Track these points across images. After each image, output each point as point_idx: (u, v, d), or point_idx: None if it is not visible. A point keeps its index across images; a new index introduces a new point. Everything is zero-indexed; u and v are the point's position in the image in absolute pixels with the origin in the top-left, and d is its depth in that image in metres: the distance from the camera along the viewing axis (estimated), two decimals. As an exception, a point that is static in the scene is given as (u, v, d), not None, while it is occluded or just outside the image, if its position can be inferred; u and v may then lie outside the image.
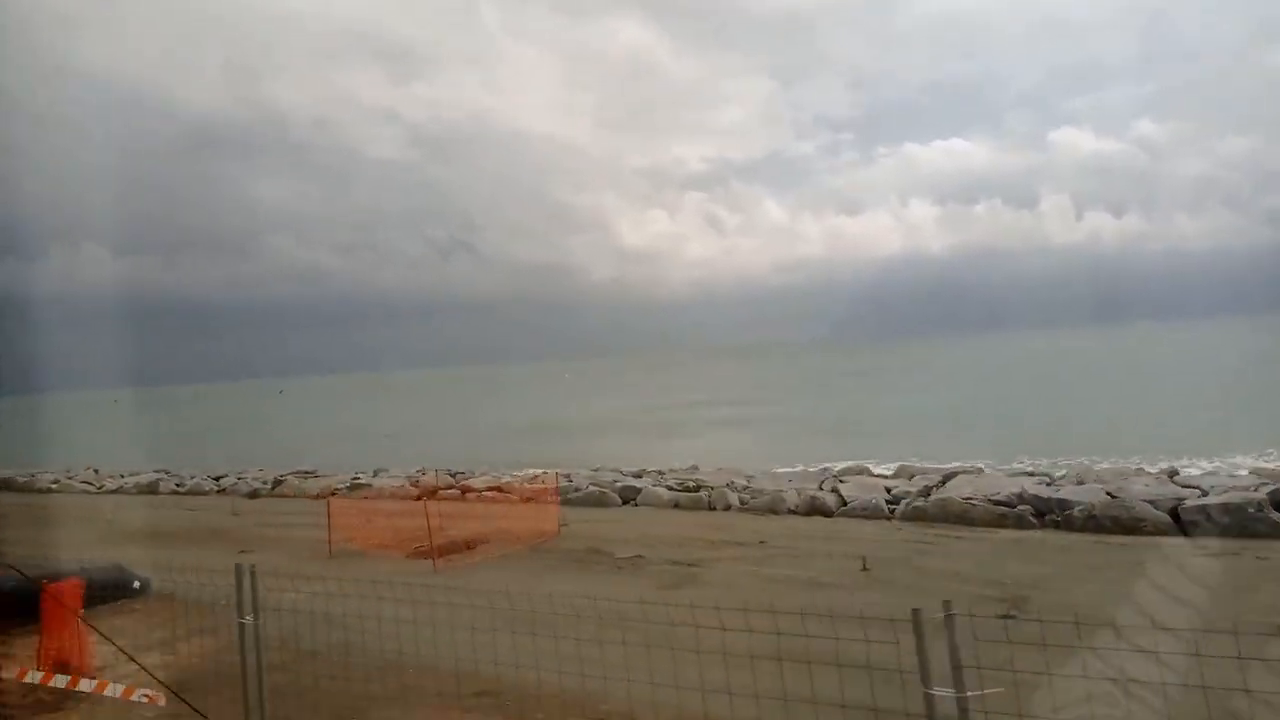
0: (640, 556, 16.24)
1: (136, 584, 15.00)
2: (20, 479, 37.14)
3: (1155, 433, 37.03)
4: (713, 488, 22.58)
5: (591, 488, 23.28)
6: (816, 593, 12.80)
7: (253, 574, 7.57)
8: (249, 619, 7.58)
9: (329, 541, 18.07)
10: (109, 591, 14.44)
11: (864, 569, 14.25)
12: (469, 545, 18.17)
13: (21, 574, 14.27)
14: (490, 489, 25.65)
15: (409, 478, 29.46)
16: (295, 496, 28.06)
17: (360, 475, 30.07)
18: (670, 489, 22.79)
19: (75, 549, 19.64)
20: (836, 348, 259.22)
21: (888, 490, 20.73)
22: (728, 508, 21.11)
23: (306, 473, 32.27)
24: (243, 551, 19.14)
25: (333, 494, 27.64)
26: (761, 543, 16.99)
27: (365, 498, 25.73)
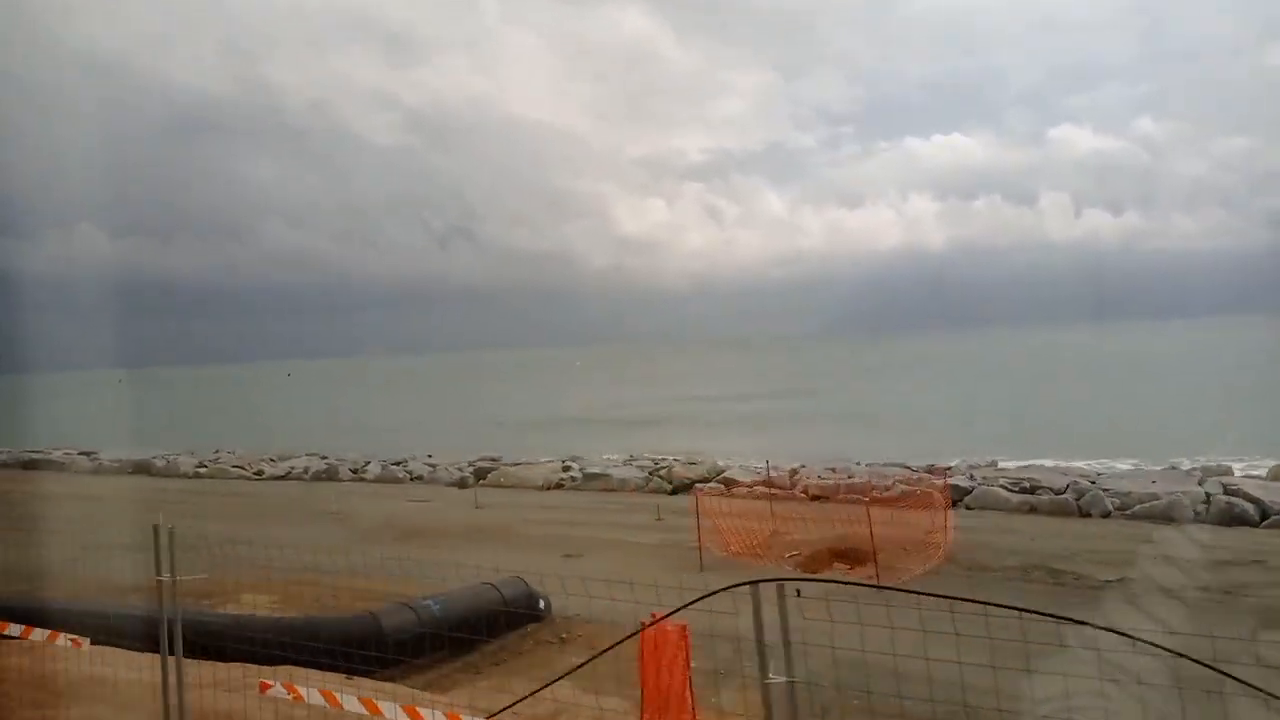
0: (1127, 578, 12.90)
1: (542, 604, 11.83)
2: (158, 463, 34.25)
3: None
4: (1052, 488, 19.27)
5: (900, 486, 19.93)
6: None
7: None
8: None
9: (699, 546, 14.77)
10: (521, 615, 11.25)
11: None
12: (859, 557, 14.90)
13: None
14: (757, 483, 22.39)
15: (633, 463, 26.21)
16: (511, 486, 24.87)
17: (571, 464, 26.84)
18: (1007, 489, 19.44)
19: (359, 552, 16.51)
20: (837, 341, 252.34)
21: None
22: (1106, 514, 17.76)
23: (493, 459, 29.13)
24: (568, 556, 15.99)
25: (554, 482, 24.52)
26: (1257, 562, 13.61)
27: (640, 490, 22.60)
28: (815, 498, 20.77)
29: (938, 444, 32.77)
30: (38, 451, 41.80)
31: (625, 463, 27.36)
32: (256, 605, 12.78)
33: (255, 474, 30.88)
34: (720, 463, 25.44)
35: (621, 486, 23.29)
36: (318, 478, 28.79)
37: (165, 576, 6.26)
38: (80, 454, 40.86)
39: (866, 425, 45.83)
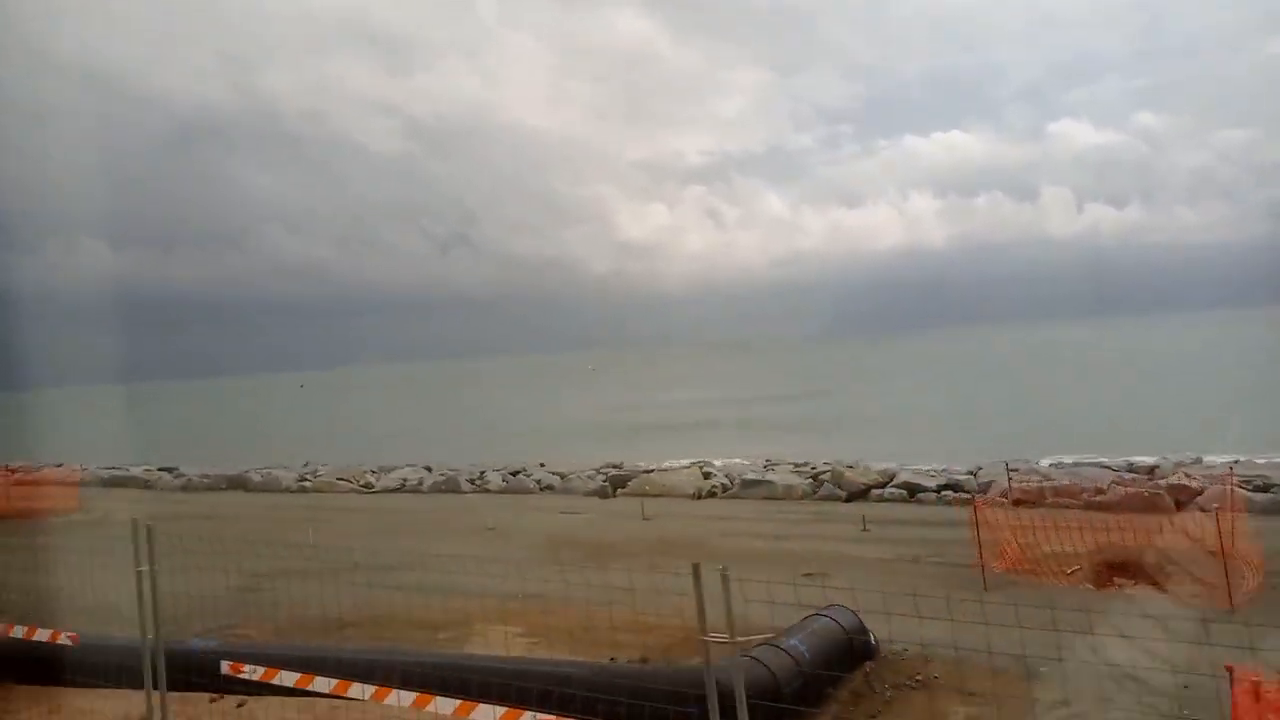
0: None
1: (873, 640, 10.18)
2: (254, 478, 32.89)
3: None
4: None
5: (1117, 488, 18.15)
6: None
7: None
8: None
9: (981, 563, 13.04)
10: (857, 653, 9.59)
11: None
12: (1149, 572, 13.13)
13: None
14: (943, 488, 20.66)
15: (774, 467, 24.52)
16: (657, 495, 23.23)
17: (711, 470, 25.19)
18: (1243, 488, 17.61)
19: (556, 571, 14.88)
20: (838, 343, 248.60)
21: None
22: (1380, 513, 15.85)
23: (615, 465, 27.56)
24: (806, 575, 14.30)
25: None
26: None
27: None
28: (1018, 502, 19.02)
29: (1026, 441, 31.18)
30: (115, 468, 40.66)
31: (765, 467, 25.69)
32: (508, 639, 11.26)
33: (364, 487, 29.44)
34: (876, 466, 23.72)
35: (787, 494, 21.60)
36: (436, 489, 27.28)
37: (718, 637, 4.65)
38: (161, 470, 39.66)
39: (935, 424, 44.18)
